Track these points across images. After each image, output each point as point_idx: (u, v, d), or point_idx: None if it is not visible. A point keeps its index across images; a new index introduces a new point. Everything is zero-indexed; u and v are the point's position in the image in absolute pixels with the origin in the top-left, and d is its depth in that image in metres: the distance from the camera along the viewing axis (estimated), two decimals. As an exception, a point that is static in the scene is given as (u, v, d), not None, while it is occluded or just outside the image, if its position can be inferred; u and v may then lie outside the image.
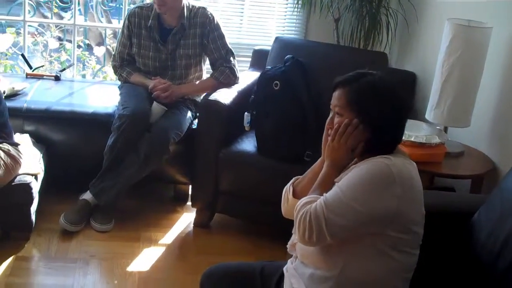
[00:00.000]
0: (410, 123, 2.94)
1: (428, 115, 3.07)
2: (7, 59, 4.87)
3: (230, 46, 3.56)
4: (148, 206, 3.61)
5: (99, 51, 4.96)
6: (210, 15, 3.50)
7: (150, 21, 3.47)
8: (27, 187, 3.02)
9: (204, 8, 3.54)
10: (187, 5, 3.48)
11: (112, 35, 5.25)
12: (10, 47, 4.80)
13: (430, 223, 1.90)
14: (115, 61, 3.66)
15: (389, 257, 1.80)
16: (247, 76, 3.70)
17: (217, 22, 3.52)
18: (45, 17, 5.28)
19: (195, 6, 3.53)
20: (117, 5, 5.22)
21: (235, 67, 3.55)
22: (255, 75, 3.59)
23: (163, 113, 3.37)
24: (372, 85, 1.88)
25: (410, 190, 1.79)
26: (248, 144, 3.28)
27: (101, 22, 5.36)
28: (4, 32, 4.91)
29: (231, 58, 3.55)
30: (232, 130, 3.33)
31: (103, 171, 3.30)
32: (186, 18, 3.46)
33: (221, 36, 3.53)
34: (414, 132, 2.91)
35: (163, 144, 3.26)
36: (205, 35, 3.49)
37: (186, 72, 3.54)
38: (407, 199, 1.77)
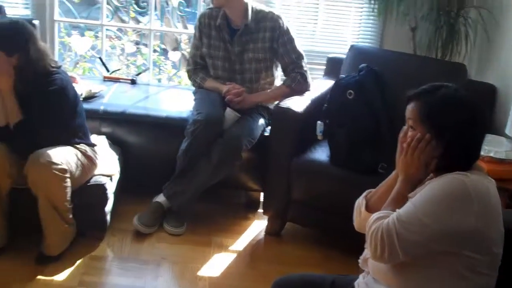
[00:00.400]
0: (490, 138, 2.88)
1: (509, 130, 2.97)
2: (85, 62, 5.01)
3: (301, 50, 3.55)
4: (220, 211, 3.63)
5: (175, 56, 5.03)
6: (279, 19, 3.50)
7: (218, 20, 3.50)
8: (102, 187, 3.09)
9: (272, 12, 3.53)
10: (253, 7, 3.49)
11: (187, 40, 5.32)
12: (89, 50, 4.93)
13: (510, 243, 1.83)
14: (189, 65, 3.71)
15: (465, 279, 1.74)
16: (320, 84, 3.68)
17: (286, 26, 3.52)
18: (123, 21, 5.40)
19: (264, 10, 3.53)
20: (193, 10, 5.28)
21: (306, 73, 3.53)
22: (328, 83, 3.56)
23: (236, 119, 3.38)
24: (445, 98, 1.82)
25: (488, 207, 1.73)
26: (321, 154, 3.25)
27: (177, 27, 5.45)
28: (83, 35, 5.05)
29: (303, 63, 3.53)
30: (305, 139, 3.31)
31: (176, 175, 3.34)
32: (252, 20, 3.46)
33: (291, 40, 3.52)
34: (494, 147, 2.83)
35: (235, 150, 3.27)
36: (275, 39, 3.48)
37: (256, 76, 3.54)
38: (485, 216, 1.71)
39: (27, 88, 2.80)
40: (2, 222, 2.97)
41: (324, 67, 3.95)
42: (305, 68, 3.54)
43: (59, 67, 2.94)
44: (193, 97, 3.62)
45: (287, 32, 3.51)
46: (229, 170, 3.32)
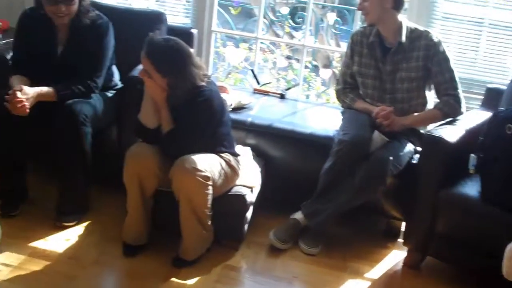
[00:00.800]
0: None
1: None
2: (237, 72, 5.10)
3: (455, 72, 3.38)
4: (357, 236, 3.52)
5: (326, 73, 5.00)
6: (435, 38, 3.35)
7: (370, 37, 3.41)
8: (242, 198, 3.11)
9: (427, 31, 3.39)
10: (408, 26, 3.37)
11: (339, 58, 5.27)
12: (242, 62, 5.02)
13: None
14: (339, 84, 3.65)
15: None
16: (477, 115, 3.48)
17: (443, 46, 3.35)
18: (277, 35, 5.46)
19: (418, 29, 3.39)
20: (348, 29, 5.23)
21: (460, 95, 3.35)
22: (486, 115, 3.35)
23: (383, 143, 3.27)
24: None
25: None
26: (472, 188, 3.05)
27: (330, 44, 5.42)
28: (237, 46, 5.15)
29: (457, 84, 3.36)
30: (455, 171, 3.12)
31: (317, 194, 3.28)
32: (407, 39, 3.34)
33: (446, 60, 3.34)
34: None
35: (380, 175, 3.16)
36: (429, 57, 3.33)
37: (408, 96, 3.40)
38: None
39: (178, 101, 2.90)
40: (145, 221, 3.07)
41: (482, 97, 3.74)
42: (459, 91, 3.36)
43: (209, 77, 3.01)
44: (340, 116, 3.55)
45: (442, 51, 3.35)
46: (372, 194, 3.21)
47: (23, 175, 3.35)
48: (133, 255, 3.07)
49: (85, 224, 3.31)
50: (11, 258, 2.95)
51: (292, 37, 5.55)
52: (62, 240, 3.14)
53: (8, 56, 3.51)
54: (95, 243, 3.16)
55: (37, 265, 2.92)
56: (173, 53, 2.86)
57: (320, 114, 3.94)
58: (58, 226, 3.22)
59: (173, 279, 2.94)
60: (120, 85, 3.57)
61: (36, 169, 3.55)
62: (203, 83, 2.93)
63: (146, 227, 3.09)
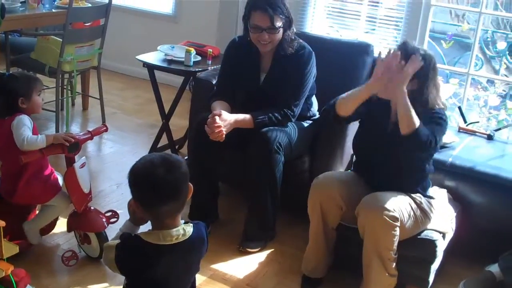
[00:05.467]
0: None
1: None
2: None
3: None
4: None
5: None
6: None
7: None
8: (433, 244, 2.91)
9: None
10: None
11: None
12: (450, 97, 4.78)
13: None
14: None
15: None
16: None
17: None
18: (495, 71, 5.12)
19: None
20: None
21: None
22: None
23: None
24: None
25: None
26: None
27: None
28: (447, 81, 4.92)
29: None
30: None
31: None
32: None
33: None
34: None
35: None
36: None
37: None
38: None
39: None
40: (325, 253, 3.02)
41: None
42: None
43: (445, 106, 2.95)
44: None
45: None
46: None
47: (216, 196, 3.47)
48: (310, 290, 3.02)
49: (268, 252, 3.33)
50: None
51: (510, 74, 5.17)
52: (243, 265, 3.19)
53: (214, 82, 3.67)
54: (274, 273, 3.15)
55: (216, 288, 2.99)
56: (426, 58, 2.75)
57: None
58: (242, 251, 3.27)
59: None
60: (317, 115, 3.56)
61: (227, 193, 3.66)
62: (441, 106, 2.85)
63: (325, 259, 3.03)
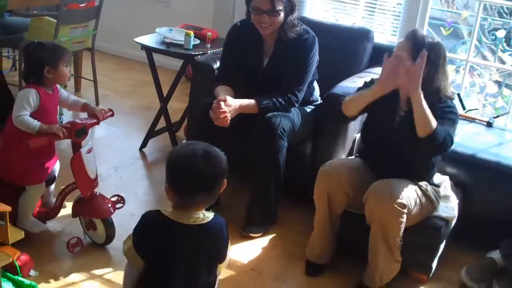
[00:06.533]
0: None
1: None
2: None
3: None
4: None
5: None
6: None
7: None
8: (437, 231, 2.94)
9: None
10: None
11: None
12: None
13: None
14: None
15: None
16: None
17: None
18: (484, 58, 5.13)
19: None
20: None
21: None
22: None
23: None
24: None
25: None
26: None
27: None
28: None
29: None
30: None
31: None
32: None
33: None
34: None
35: None
36: None
37: None
38: None
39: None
40: (330, 240, 3.02)
41: None
42: None
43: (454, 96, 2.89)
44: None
45: None
46: None
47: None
48: (315, 275, 3.03)
49: (270, 237, 3.33)
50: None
51: (503, 62, 5.18)
52: (246, 250, 3.18)
53: (215, 66, 3.63)
54: (277, 258, 3.16)
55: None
56: (435, 47, 2.73)
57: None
58: (244, 235, 3.27)
59: (355, 305, 2.86)
60: (319, 101, 3.55)
61: (229, 177, 3.63)
62: (451, 95, 2.82)
63: (330, 246, 3.03)
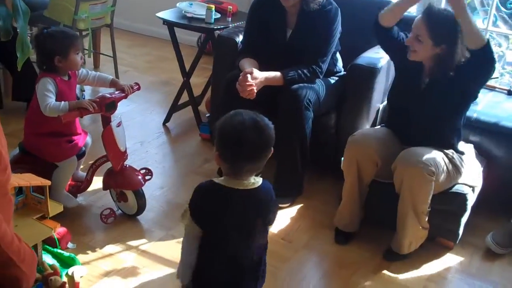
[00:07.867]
0: None
1: None
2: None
3: None
4: None
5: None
6: None
7: None
8: (463, 197, 2.98)
9: None
10: None
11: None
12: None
13: None
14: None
15: None
16: None
17: None
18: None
19: None
20: None
21: None
22: None
23: None
24: None
25: None
26: None
27: None
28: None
29: None
30: None
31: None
32: None
33: None
34: None
35: None
36: None
37: None
38: None
39: (441, 75, 2.84)
40: (359, 209, 3.07)
41: None
42: None
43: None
44: None
45: None
46: None
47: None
48: (344, 243, 3.09)
49: (298, 207, 3.38)
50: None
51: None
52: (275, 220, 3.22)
53: (237, 39, 3.65)
54: (307, 227, 3.21)
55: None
56: (451, 24, 2.75)
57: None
58: (273, 206, 3.31)
59: (384, 271, 2.92)
60: (343, 72, 3.57)
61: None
62: None
63: (359, 214, 3.08)
